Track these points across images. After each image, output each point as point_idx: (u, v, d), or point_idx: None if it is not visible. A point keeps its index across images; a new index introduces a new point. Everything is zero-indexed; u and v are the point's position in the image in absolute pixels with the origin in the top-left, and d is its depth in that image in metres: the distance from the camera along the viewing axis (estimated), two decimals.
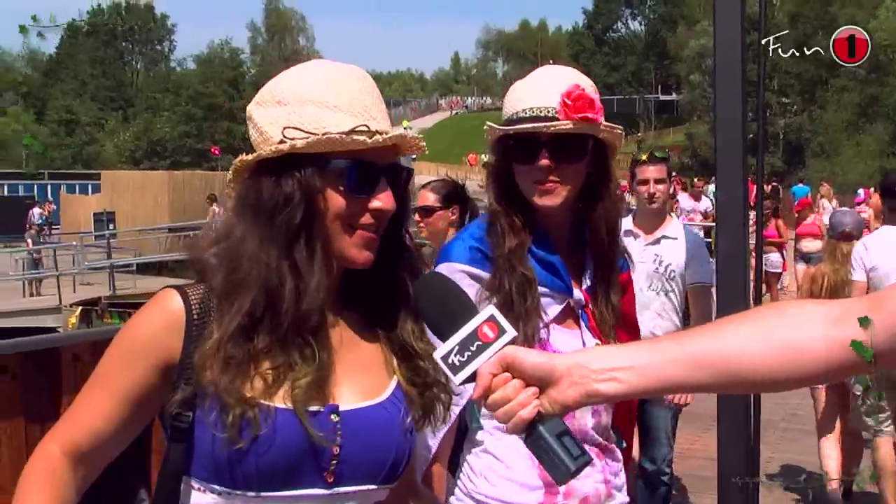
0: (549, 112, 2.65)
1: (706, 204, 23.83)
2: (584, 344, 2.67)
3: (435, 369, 1.97)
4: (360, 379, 1.95)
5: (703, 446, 8.32)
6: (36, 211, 34.80)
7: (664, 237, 6.10)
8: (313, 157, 1.85)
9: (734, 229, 4.29)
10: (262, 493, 1.83)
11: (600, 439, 2.78)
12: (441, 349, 1.75)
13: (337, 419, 1.86)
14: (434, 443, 2.65)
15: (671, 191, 9.53)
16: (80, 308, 22.86)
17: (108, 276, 26.40)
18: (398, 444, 1.94)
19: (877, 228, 7.99)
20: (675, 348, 1.68)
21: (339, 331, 1.97)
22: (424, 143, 2.02)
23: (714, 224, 6.25)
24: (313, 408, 1.84)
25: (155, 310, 1.90)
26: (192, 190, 36.96)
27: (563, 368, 1.67)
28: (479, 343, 1.72)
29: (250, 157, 1.90)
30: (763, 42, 5.18)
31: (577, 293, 2.73)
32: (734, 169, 4.28)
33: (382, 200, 1.89)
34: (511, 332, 1.74)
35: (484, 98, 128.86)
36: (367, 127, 1.87)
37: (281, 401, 1.82)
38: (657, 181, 6.03)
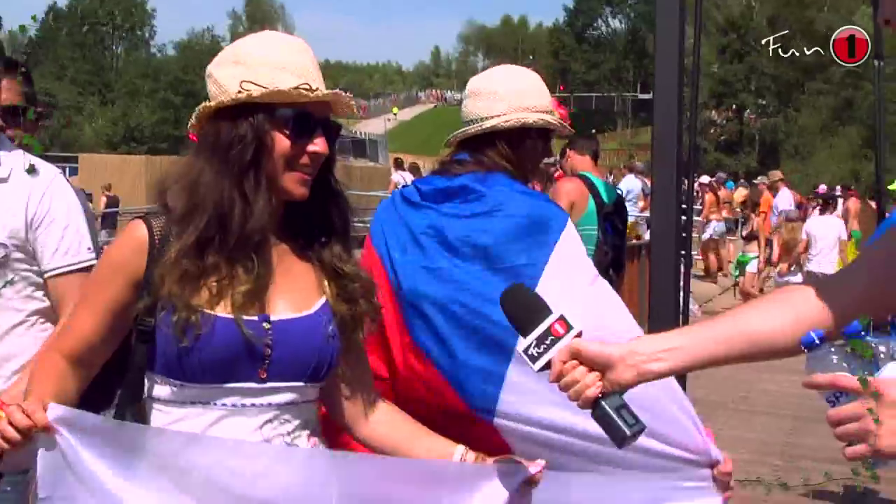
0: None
1: None
2: None
3: (361, 287, 2.44)
4: (293, 295, 2.38)
5: None
6: None
7: None
8: (264, 107, 2.27)
9: (666, 213, 4.64)
10: (207, 385, 2.27)
11: None
12: (523, 343, 2.18)
13: (269, 326, 2.30)
14: None
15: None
16: None
17: None
18: (321, 348, 2.37)
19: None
20: (709, 330, 2.16)
21: (279, 256, 2.39)
22: (354, 104, 2.41)
23: None
24: (249, 317, 2.27)
25: (125, 237, 2.35)
26: None
27: (618, 355, 2.10)
28: (552, 338, 2.15)
29: (212, 103, 2.30)
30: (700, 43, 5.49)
31: None
32: (668, 155, 4.63)
33: (318, 145, 2.32)
34: (577, 328, 2.16)
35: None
36: (310, 86, 2.28)
37: (222, 309, 2.25)
38: None
